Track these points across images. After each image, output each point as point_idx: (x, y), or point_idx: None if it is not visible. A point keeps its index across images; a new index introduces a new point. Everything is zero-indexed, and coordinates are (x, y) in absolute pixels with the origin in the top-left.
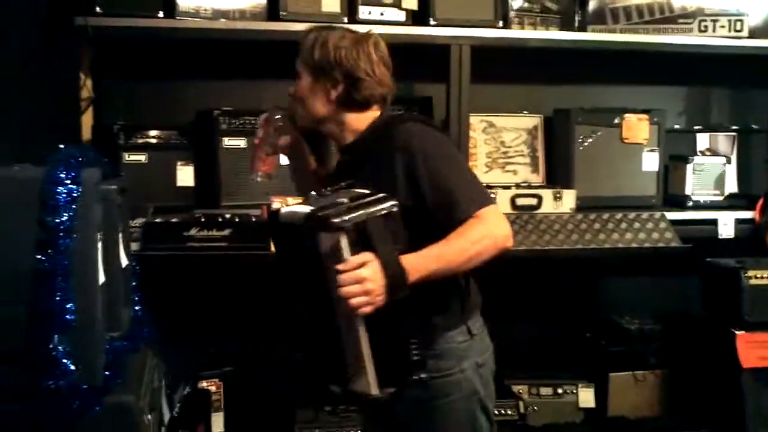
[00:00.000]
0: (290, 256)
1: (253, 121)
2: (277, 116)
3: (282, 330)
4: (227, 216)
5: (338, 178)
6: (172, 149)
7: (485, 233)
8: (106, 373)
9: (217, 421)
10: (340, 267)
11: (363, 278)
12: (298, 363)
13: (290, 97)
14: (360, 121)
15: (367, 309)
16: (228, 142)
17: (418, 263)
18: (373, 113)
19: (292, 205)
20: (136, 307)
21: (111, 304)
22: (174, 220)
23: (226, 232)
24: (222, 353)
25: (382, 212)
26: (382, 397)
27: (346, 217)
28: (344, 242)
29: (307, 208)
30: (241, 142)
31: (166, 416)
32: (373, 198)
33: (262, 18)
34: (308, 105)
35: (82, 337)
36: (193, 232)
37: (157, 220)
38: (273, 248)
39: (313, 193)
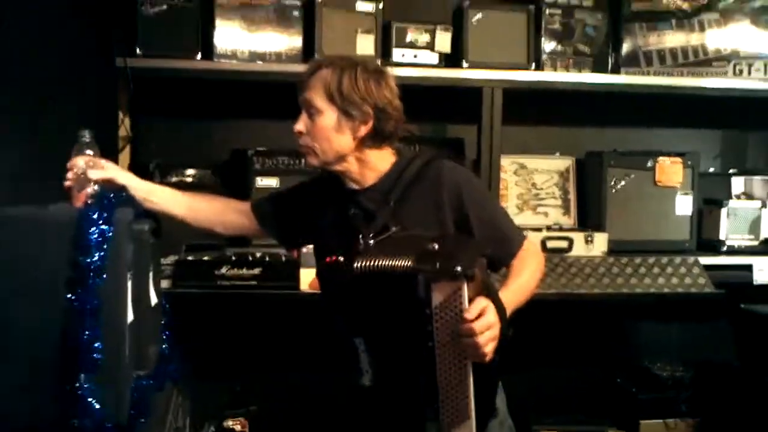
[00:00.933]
0: (373, 304)
1: (286, 161)
2: (86, 151)
3: (308, 369)
4: (257, 255)
5: (365, 221)
6: (206, 188)
7: (539, 266)
8: (131, 411)
9: None
10: (467, 316)
11: (490, 324)
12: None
13: (300, 135)
14: (381, 159)
15: (490, 356)
16: (261, 181)
17: (509, 300)
18: (389, 151)
19: (363, 257)
20: (164, 345)
21: (138, 342)
22: (205, 258)
23: (256, 270)
24: (248, 391)
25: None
26: None
27: (466, 264)
28: (465, 290)
29: (404, 260)
30: (273, 182)
31: None
32: (462, 241)
33: (298, 61)
34: (333, 142)
35: (109, 375)
36: (223, 270)
37: (189, 258)
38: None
39: (362, 240)
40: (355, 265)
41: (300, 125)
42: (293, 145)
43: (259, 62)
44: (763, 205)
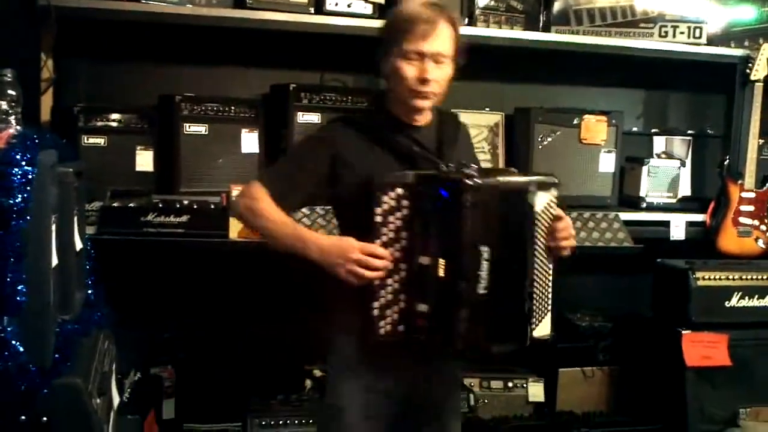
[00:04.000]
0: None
1: (214, 108)
2: (8, 91)
3: (235, 317)
4: (185, 202)
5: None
6: (132, 133)
7: None
8: (56, 355)
9: (169, 408)
10: (561, 214)
11: (569, 224)
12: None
13: (429, 83)
14: None
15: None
16: (189, 128)
17: None
18: None
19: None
20: (89, 291)
21: (63, 286)
22: (131, 204)
23: (184, 218)
24: (175, 340)
25: None
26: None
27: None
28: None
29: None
30: (202, 129)
31: (116, 401)
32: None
33: (229, 5)
34: (445, 87)
35: (33, 319)
36: (150, 217)
37: (115, 204)
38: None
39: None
40: (476, 182)
41: (434, 74)
42: (222, 92)
43: (189, 5)
44: (682, 165)
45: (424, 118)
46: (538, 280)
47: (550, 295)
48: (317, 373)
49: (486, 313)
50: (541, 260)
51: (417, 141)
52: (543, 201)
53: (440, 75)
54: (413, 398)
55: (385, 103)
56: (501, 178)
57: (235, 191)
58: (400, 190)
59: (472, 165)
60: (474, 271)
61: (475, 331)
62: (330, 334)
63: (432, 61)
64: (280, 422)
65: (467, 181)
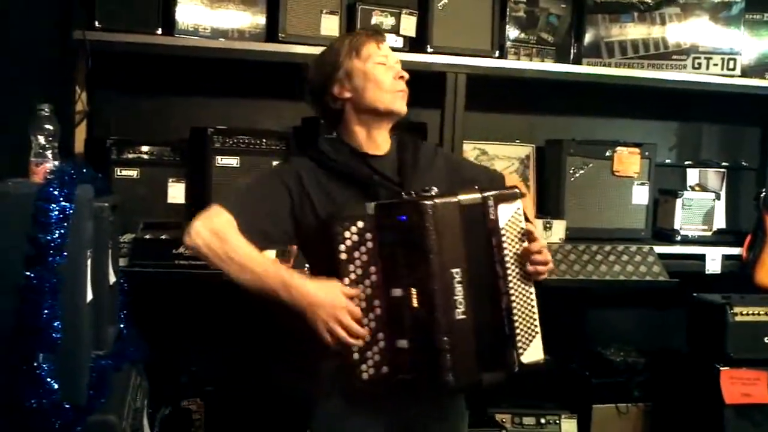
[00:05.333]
0: (444, 243)
1: (245, 140)
2: (45, 125)
3: (265, 350)
4: None
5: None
6: (164, 165)
7: None
8: (90, 392)
9: None
10: (531, 228)
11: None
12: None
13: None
14: None
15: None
16: (221, 160)
17: None
18: None
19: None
20: (122, 325)
21: (97, 321)
22: (163, 237)
23: None
24: (205, 372)
25: None
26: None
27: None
28: (522, 207)
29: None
30: (233, 161)
31: None
32: (492, 182)
33: (261, 39)
34: None
35: (68, 355)
36: (182, 249)
37: (147, 236)
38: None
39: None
40: (433, 202)
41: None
42: (253, 124)
43: (221, 39)
44: (717, 197)
45: (384, 146)
46: (517, 299)
47: (536, 317)
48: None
49: (468, 340)
50: (517, 278)
51: (376, 171)
52: (506, 214)
53: None
54: None
55: (340, 135)
56: (461, 196)
57: (198, 219)
58: (360, 224)
59: (434, 188)
60: (448, 296)
61: (460, 362)
62: (312, 389)
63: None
64: None
65: (424, 202)
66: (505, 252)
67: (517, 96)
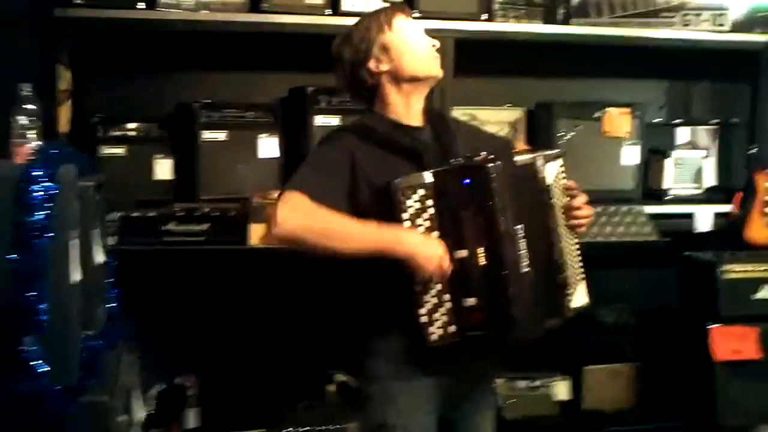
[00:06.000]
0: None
1: (233, 114)
2: (27, 105)
3: (258, 324)
4: (205, 210)
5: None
6: (151, 142)
7: None
8: (81, 372)
9: (193, 417)
10: (571, 184)
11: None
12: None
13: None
14: None
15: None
16: (207, 134)
17: None
18: None
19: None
20: (112, 304)
21: (86, 302)
22: (151, 214)
23: (204, 226)
24: (198, 348)
25: None
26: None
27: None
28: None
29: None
30: (220, 135)
31: (142, 414)
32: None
33: (244, 10)
34: None
35: (57, 336)
36: (170, 226)
37: (135, 214)
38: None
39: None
40: (496, 164)
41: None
42: (239, 97)
43: (204, 11)
44: (707, 155)
45: (420, 117)
46: (566, 250)
47: (579, 265)
48: (340, 378)
49: (532, 292)
50: (565, 230)
51: (419, 140)
52: (552, 172)
53: None
54: (457, 404)
55: (377, 110)
56: (517, 157)
57: (280, 208)
58: (421, 191)
59: (482, 152)
60: (515, 251)
61: (528, 312)
62: (366, 348)
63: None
64: (306, 429)
65: (488, 165)
66: (554, 206)
67: (506, 59)
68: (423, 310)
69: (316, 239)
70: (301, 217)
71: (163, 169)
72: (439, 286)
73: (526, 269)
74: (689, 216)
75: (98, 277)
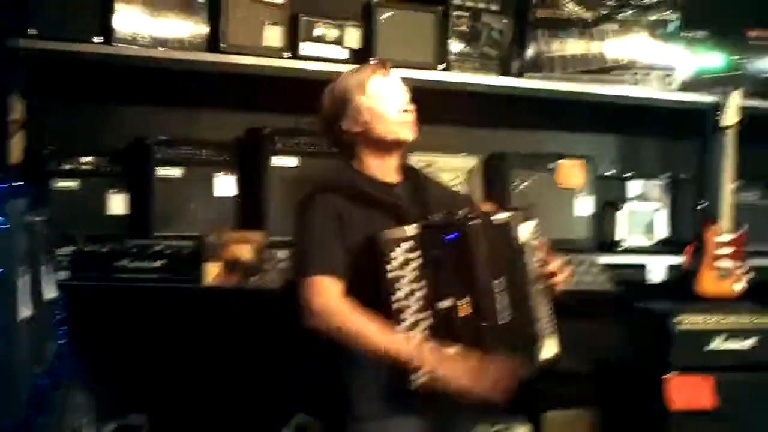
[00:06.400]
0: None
1: (188, 151)
2: None
3: (212, 364)
4: (159, 247)
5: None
6: (105, 176)
7: None
8: (28, 410)
9: None
10: (540, 244)
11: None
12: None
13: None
14: None
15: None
16: (162, 171)
17: None
18: None
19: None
20: (61, 341)
21: (35, 338)
22: (104, 249)
23: (158, 263)
24: (151, 388)
25: None
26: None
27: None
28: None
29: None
30: (176, 172)
31: None
32: None
33: (202, 49)
34: None
35: (4, 373)
36: (124, 262)
37: (87, 249)
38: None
39: (431, 217)
40: (477, 222)
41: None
42: (196, 135)
43: (161, 48)
44: (658, 208)
45: (395, 174)
46: (539, 304)
47: (552, 318)
48: (298, 420)
49: (508, 342)
50: (536, 286)
51: (399, 197)
52: (526, 231)
53: None
54: None
55: (355, 166)
56: (494, 216)
57: (314, 297)
58: (406, 244)
59: (459, 211)
60: (494, 303)
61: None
62: (347, 383)
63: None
64: None
65: (470, 223)
66: (527, 263)
67: (462, 109)
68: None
69: (345, 338)
70: (338, 314)
71: (117, 204)
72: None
73: (503, 321)
74: (642, 267)
75: (48, 313)
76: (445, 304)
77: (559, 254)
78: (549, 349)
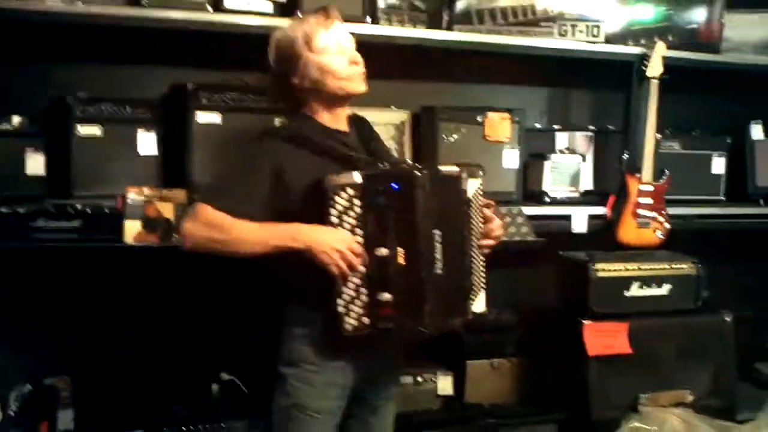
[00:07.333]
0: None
1: (110, 108)
2: None
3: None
4: (78, 206)
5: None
6: (23, 136)
7: None
8: None
9: (66, 418)
10: (491, 205)
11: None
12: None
13: (361, 64)
14: None
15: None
16: (83, 129)
17: None
18: None
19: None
20: None
21: None
22: (21, 210)
23: (77, 223)
24: (73, 349)
25: None
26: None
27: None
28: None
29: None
30: (96, 130)
31: None
32: None
33: (120, 3)
34: None
35: None
36: (41, 223)
37: (3, 210)
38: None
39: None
40: (422, 172)
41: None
42: (119, 93)
43: (80, 3)
44: (584, 160)
45: (345, 122)
46: (475, 258)
47: (483, 275)
48: (224, 377)
49: (442, 292)
50: (476, 241)
51: (347, 145)
52: (473, 187)
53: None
54: (365, 389)
55: (307, 113)
56: (441, 168)
57: (185, 221)
58: (350, 190)
59: (407, 160)
60: (431, 253)
61: (435, 311)
62: (284, 332)
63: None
64: (186, 429)
65: (415, 172)
66: (472, 217)
67: (391, 62)
68: (341, 301)
69: (220, 247)
70: (202, 229)
71: (36, 164)
72: (357, 280)
73: (440, 271)
74: (567, 218)
75: None
76: (384, 252)
77: (500, 214)
78: (479, 304)
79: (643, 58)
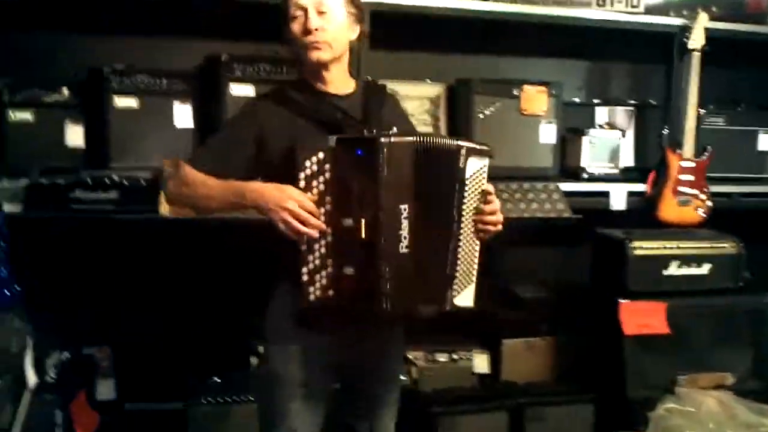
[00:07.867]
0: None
1: (145, 80)
2: None
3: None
4: (115, 178)
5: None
6: (62, 108)
7: None
8: None
9: (107, 388)
10: (489, 188)
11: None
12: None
13: (316, 32)
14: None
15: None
16: (119, 101)
17: None
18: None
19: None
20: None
21: None
22: (59, 181)
23: (114, 194)
24: (112, 319)
25: None
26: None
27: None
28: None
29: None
30: (133, 102)
31: (32, 381)
32: None
33: None
34: (343, 38)
35: None
36: (78, 194)
37: (42, 181)
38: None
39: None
40: (389, 140)
41: (316, 22)
42: (154, 64)
43: None
44: (624, 135)
45: (343, 87)
46: (463, 247)
47: (475, 267)
48: (262, 349)
49: (408, 273)
50: (469, 228)
51: (341, 109)
52: (474, 167)
53: (325, 24)
54: (347, 365)
55: (301, 74)
56: (436, 140)
57: (167, 183)
58: (321, 155)
59: (394, 128)
60: (394, 229)
61: (399, 292)
62: (268, 301)
63: (314, 11)
64: (223, 400)
65: (381, 139)
66: (465, 201)
67: (427, 34)
68: (305, 270)
69: (193, 203)
70: (179, 186)
71: (75, 135)
72: (324, 250)
73: (405, 250)
74: (605, 194)
75: None
76: (348, 222)
77: (495, 202)
78: (464, 298)
79: (685, 30)
